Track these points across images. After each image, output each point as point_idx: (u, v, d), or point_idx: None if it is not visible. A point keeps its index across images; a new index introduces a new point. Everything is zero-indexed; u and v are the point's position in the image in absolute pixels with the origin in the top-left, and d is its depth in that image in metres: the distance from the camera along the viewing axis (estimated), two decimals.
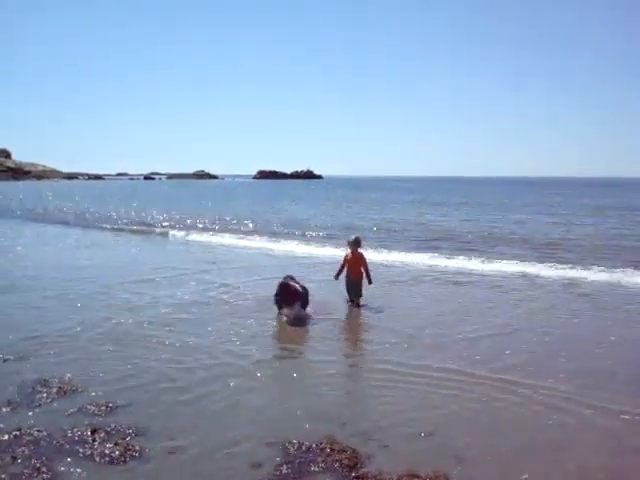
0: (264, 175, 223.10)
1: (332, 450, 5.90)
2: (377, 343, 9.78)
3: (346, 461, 5.70)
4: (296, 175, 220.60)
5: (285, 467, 5.62)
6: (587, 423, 6.70)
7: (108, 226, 33.70)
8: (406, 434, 6.45)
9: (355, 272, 12.70)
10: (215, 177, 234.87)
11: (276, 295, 11.50)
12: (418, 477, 5.39)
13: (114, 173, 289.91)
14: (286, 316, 11.17)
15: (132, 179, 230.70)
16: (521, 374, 8.18)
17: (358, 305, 12.42)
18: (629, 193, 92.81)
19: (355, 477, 5.43)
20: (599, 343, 9.81)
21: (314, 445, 6.04)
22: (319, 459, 5.78)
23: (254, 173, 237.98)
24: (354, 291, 12.66)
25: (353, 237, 13.12)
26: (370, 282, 12.79)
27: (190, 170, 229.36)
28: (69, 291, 13.93)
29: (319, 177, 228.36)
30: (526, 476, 5.50)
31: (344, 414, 6.88)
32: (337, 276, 12.94)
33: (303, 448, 5.98)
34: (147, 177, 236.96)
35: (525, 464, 5.76)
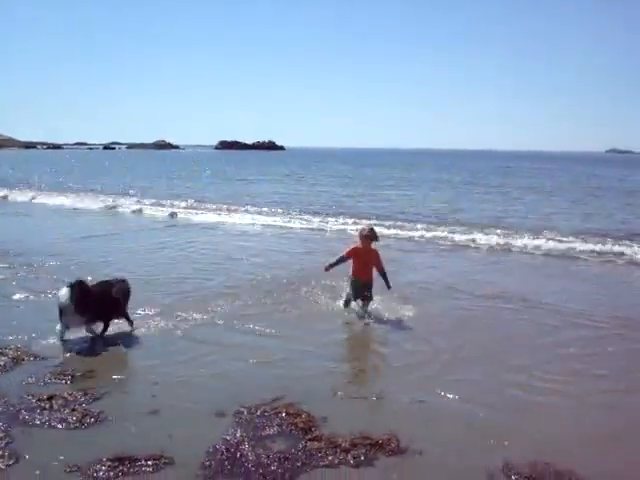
0: (226, 145, 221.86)
1: (287, 414, 6.04)
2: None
3: (301, 424, 5.85)
4: (258, 146, 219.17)
5: (239, 431, 5.74)
6: None
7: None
8: (361, 399, 6.64)
9: (366, 272, 10.07)
10: (176, 147, 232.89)
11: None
12: (370, 439, 5.54)
13: (72, 142, 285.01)
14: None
15: (91, 149, 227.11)
16: None
17: (366, 313, 9.73)
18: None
19: (309, 439, 5.58)
20: None
21: (269, 409, 6.18)
22: (274, 422, 5.91)
23: (215, 143, 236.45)
24: (362, 293, 9.98)
25: (367, 227, 10.36)
26: (389, 286, 10.13)
27: (150, 140, 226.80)
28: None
29: (281, 148, 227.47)
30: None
31: (304, 381, 7.02)
32: (330, 267, 10.24)
33: (258, 412, 6.10)
34: (107, 147, 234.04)
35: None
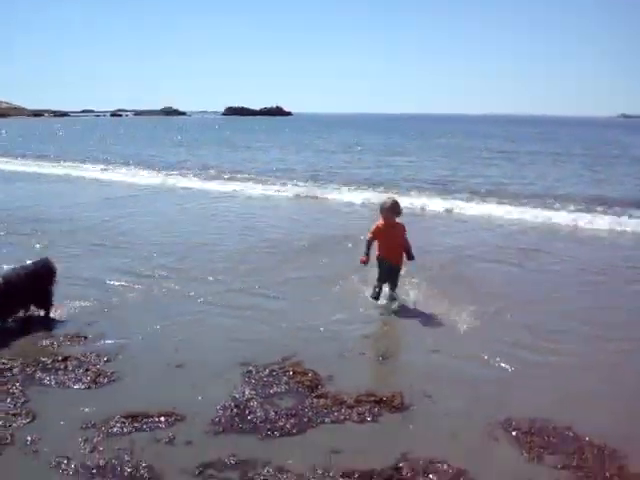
0: (232, 111, 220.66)
1: (294, 373, 6.23)
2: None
3: (307, 382, 6.04)
4: (265, 112, 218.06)
5: (248, 389, 5.93)
6: None
7: None
8: (366, 359, 6.83)
9: (394, 251, 8.66)
10: (183, 113, 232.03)
11: None
12: (375, 396, 5.72)
13: (79, 110, 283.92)
14: None
15: (98, 116, 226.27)
16: None
17: (393, 298, 8.65)
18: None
19: (315, 396, 5.76)
20: None
21: (277, 368, 6.37)
22: (282, 381, 6.10)
23: (222, 109, 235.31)
24: (390, 278, 8.70)
25: (389, 200, 8.72)
26: (410, 257, 8.79)
27: (157, 107, 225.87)
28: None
29: (288, 114, 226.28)
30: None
31: (312, 343, 7.20)
32: (366, 259, 8.61)
33: (266, 371, 6.29)
34: (114, 114, 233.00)
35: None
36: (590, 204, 18.29)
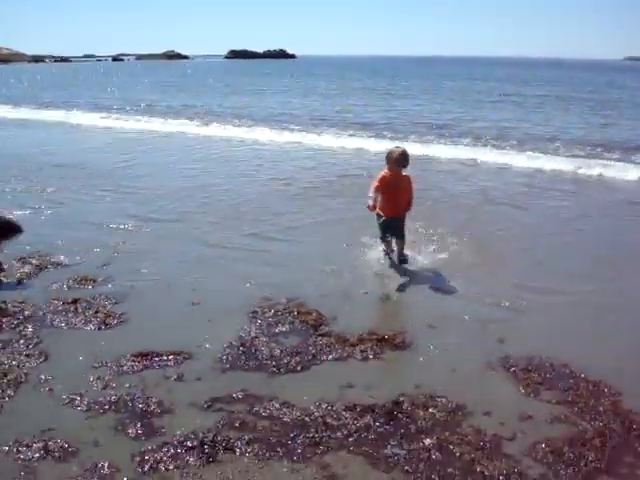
0: (236, 55, 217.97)
1: (299, 312, 6.39)
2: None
3: (312, 322, 6.21)
4: (268, 55, 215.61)
5: (254, 328, 6.11)
6: None
7: None
8: (370, 299, 6.99)
9: (395, 206, 7.98)
10: (186, 57, 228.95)
11: None
12: (377, 334, 5.89)
13: (81, 55, 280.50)
14: None
15: (99, 60, 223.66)
16: None
17: (403, 257, 8.08)
18: None
19: (319, 335, 5.94)
20: None
21: (281, 308, 6.53)
22: (287, 320, 6.27)
23: (225, 53, 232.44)
24: (394, 231, 8.10)
25: (398, 150, 7.90)
26: (407, 208, 8.15)
27: (159, 50, 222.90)
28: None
29: (292, 56, 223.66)
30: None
31: (318, 284, 7.34)
32: (374, 206, 7.83)
33: (272, 311, 6.45)
34: (115, 58, 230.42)
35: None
36: (596, 148, 18.24)
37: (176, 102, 37.54)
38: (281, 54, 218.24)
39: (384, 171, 7.88)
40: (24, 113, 31.24)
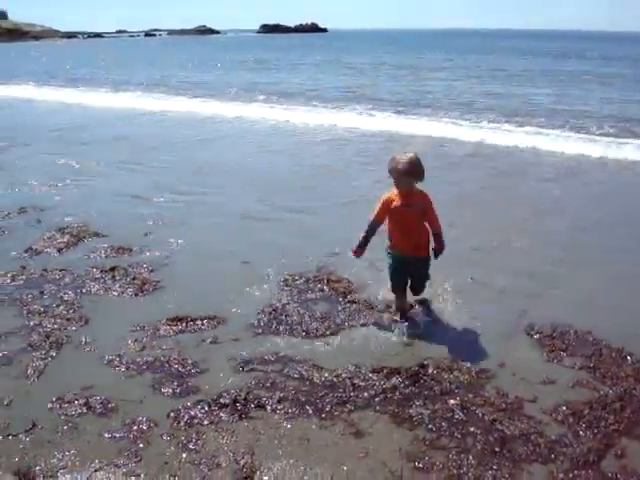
0: (267, 29, 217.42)
1: (329, 281, 6.57)
2: None
3: (341, 289, 6.39)
4: (300, 29, 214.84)
5: (285, 295, 6.31)
6: None
7: None
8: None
9: (415, 238, 5.65)
10: (217, 32, 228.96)
11: None
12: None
13: (113, 31, 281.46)
14: None
15: (132, 36, 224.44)
16: None
17: (425, 306, 6.10)
18: None
19: (348, 302, 6.11)
20: None
21: (312, 276, 6.71)
22: (317, 288, 6.45)
23: (257, 27, 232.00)
24: (413, 277, 5.82)
25: (403, 158, 5.37)
26: (439, 245, 5.67)
27: (191, 26, 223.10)
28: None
29: (324, 30, 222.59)
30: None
31: (345, 253, 7.49)
32: (360, 250, 5.73)
33: (302, 279, 6.63)
34: (147, 34, 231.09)
35: None
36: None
37: (212, 78, 37.65)
38: (313, 28, 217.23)
39: (390, 193, 5.54)
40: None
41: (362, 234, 5.61)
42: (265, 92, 27.67)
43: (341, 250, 7.47)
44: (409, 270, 5.71)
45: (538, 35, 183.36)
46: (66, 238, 8.02)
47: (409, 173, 5.30)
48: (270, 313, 5.88)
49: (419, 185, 5.49)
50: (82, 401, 4.53)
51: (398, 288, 5.80)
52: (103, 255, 7.49)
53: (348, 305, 6.05)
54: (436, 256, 5.65)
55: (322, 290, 6.40)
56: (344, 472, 3.81)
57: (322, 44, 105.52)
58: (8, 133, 17.03)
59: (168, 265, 7.16)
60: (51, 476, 3.79)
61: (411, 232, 5.57)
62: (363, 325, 5.69)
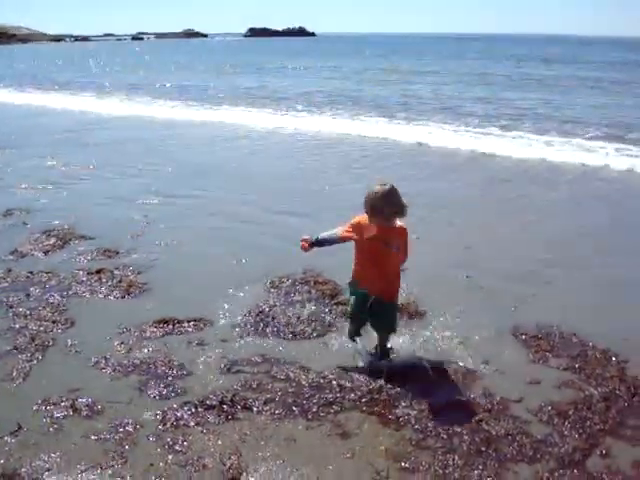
0: (255, 33, 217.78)
1: (315, 282, 6.58)
2: None
3: (328, 292, 6.40)
4: (288, 32, 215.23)
5: (272, 297, 6.31)
6: None
7: None
8: None
9: (386, 280, 4.91)
10: (205, 36, 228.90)
11: None
12: None
13: (101, 34, 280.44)
14: None
15: (119, 39, 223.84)
16: None
17: (385, 349, 5.18)
18: None
19: (335, 304, 6.13)
20: None
21: (298, 278, 6.72)
22: (304, 290, 6.45)
23: (244, 31, 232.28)
24: (379, 317, 5.00)
25: (383, 188, 4.62)
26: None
27: (179, 29, 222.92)
28: None
29: (312, 34, 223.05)
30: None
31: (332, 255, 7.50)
32: (312, 245, 5.14)
33: (289, 281, 6.64)
34: (135, 37, 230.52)
35: None
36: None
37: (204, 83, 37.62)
38: (301, 32, 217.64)
39: (360, 219, 4.79)
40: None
41: (324, 235, 5.02)
42: (250, 96, 27.75)
43: (327, 253, 7.48)
44: (375, 309, 4.88)
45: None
46: (52, 241, 7.99)
47: (389, 207, 4.57)
48: (257, 315, 5.88)
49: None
50: (68, 403, 4.51)
51: (356, 321, 5.13)
52: (89, 258, 7.46)
53: (334, 307, 6.06)
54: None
55: (309, 292, 6.41)
56: (331, 472, 3.81)
57: (309, 48, 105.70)
58: None
59: (155, 267, 7.15)
60: (36, 478, 3.77)
61: (385, 274, 4.81)
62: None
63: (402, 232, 4.78)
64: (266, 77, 41.12)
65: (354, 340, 5.25)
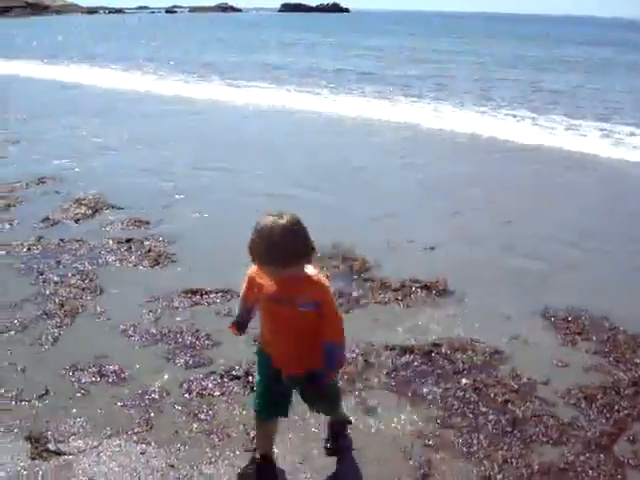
0: (288, 8, 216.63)
1: (344, 258, 6.55)
2: None
3: (357, 267, 6.37)
4: (321, 8, 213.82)
5: None
6: None
7: None
8: (413, 248, 7.09)
9: (294, 344, 3.31)
10: (239, 10, 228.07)
11: None
12: (419, 281, 6.01)
13: (135, 6, 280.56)
14: None
15: (153, 12, 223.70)
16: None
17: (333, 445, 3.83)
18: None
19: (363, 280, 6.11)
20: None
21: (328, 252, 6.73)
22: (332, 264, 6.43)
23: (278, 6, 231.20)
24: (305, 399, 3.59)
25: (275, 225, 3.04)
26: (331, 363, 3.31)
27: (213, 3, 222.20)
28: None
29: (345, 10, 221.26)
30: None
31: (362, 231, 7.47)
32: (239, 327, 3.55)
33: (318, 254, 6.60)
34: (169, 10, 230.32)
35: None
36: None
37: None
38: (334, 8, 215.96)
39: (251, 272, 3.52)
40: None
41: (238, 309, 3.59)
42: (281, 73, 27.61)
43: (357, 228, 7.46)
44: (288, 388, 3.46)
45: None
46: (83, 209, 8.04)
47: (281, 251, 3.05)
48: None
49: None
50: (95, 369, 4.56)
51: (263, 412, 3.47)
52: (119, 227, 7.51)
53: (363, 283, 6.04)
54: (332, 367, 3.33)
55: (337, 267, 6.39)
56: (354, 447, 3.81)
57: (342, 24, 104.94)
58: (28, 106, 17.11)
59: (184, 238, 7.17)
60: (62, 441, 3.82)
61: (288, 340, 3.30)
62: (377, 303, 5.67)
63: (314, 285, 3.20)
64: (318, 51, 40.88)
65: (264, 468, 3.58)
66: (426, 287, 5.90)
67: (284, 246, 3.03)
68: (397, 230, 7.53)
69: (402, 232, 7.48)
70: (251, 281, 3.45)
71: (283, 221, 3.03)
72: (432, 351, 4.85)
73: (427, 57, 37.15)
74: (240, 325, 3.50)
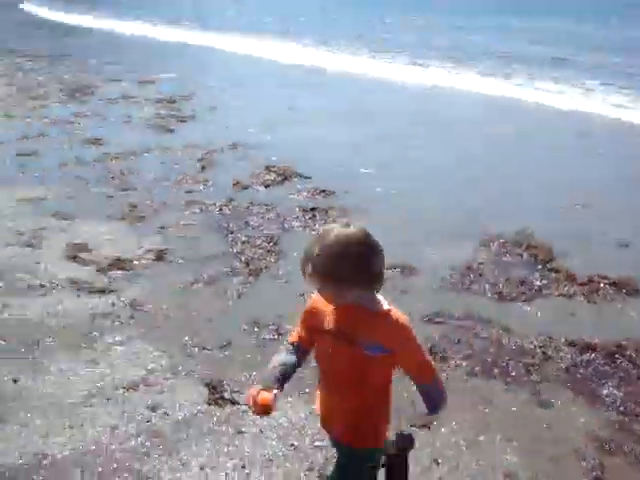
0: None
1: (529, 246, 6.31)
2: None
3: (542, 256, 6.12)
4: None
5: (481, 255, 6.19)
6: None
7: None
8: (605, 242, 6.70)
9: (344, 396, 2.38)
10: None
11: None
12: (608, 278, 5.66)
13: None
14: None
15: None
16: None
17: None
18: None
19: (548, 269, 5.86)
20: None
21: (511, 239, 6.52)
22: (515, 252, 6.25)
23: None
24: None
25: (339, 238, 2.17)
26: (433, 409, 2.33)
27: None
28: None
29: None
30: None
31: (549, 218, 7.17)
32: (273, 397, 2.25)
33: (501, 241, 6.43)
34: None
35: None
36: None
37: None
38: None
39: (313, 302, 2.50)
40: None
41: (271, 365, 2.44)
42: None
43: (545, 216, 7.18)
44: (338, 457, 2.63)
45: None
46: (272, 176, 8.35)
47: (366, 267, 2.27)
48: (464, 270, 5.80)
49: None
50: (274, 327, 4.75)
51: None
52: (306, 195, 7.73)
53: (547, 273, 5.80)
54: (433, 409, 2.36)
55: (521, 255, 6.18)
56: (524, 439, 3.69)
57: None
58: (222, 75, 17.94)
59: (367, 212, 7.18)
60: (237, 391, 4.01)
61: (338, 389, 2.43)
62: (561, 295, 5.44)
63: (392, 326, 2.29)
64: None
65: None
66: (615, 284, 5.56)
67: (369, 262, 2.26)
68: (588, 222, 7.15)
69: (593, 224, 7.09)
70: (308, 313, 2.52)
71: (362, 232, 2.25)
72: (616, 352, 4.56)
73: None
74: (273, 395, 2.28)
